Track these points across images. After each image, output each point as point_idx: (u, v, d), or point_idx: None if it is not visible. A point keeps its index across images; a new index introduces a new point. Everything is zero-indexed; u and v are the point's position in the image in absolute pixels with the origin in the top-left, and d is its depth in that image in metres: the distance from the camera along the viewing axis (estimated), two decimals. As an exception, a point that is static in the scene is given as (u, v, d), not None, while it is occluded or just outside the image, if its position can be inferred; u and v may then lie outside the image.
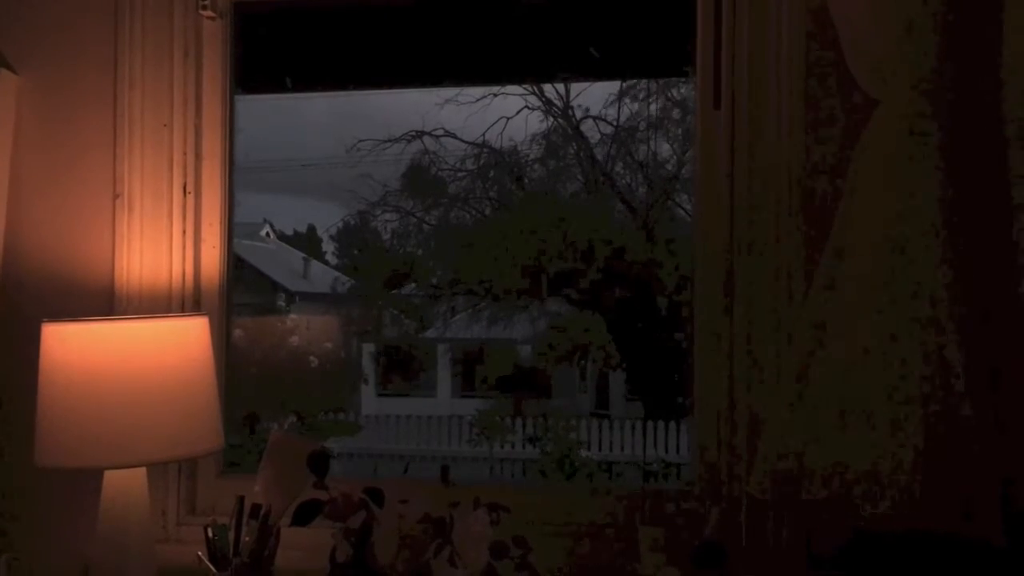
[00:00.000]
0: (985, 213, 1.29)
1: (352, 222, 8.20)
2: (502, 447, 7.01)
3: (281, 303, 7.80)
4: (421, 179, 7.49)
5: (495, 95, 6.91)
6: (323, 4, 1.80)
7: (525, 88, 6.86)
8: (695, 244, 1.61)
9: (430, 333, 8.36)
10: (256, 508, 1.40)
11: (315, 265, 8.86)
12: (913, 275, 1.27)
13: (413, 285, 8.00)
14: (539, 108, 7.10)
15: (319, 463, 1.38)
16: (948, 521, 1.26)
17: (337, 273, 8.53)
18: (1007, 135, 1.26)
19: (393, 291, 8.03)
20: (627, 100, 6.88)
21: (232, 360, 1.81)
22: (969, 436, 1.25)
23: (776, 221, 1.52)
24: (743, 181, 1.56)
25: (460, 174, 7.47)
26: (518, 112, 7.02)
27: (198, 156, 1.73)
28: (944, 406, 1.25)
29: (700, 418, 1.59)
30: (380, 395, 8.65)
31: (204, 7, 1.71)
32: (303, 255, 8.93)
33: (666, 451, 6.63)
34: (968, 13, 1.29)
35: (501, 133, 7.11)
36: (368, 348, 8.51)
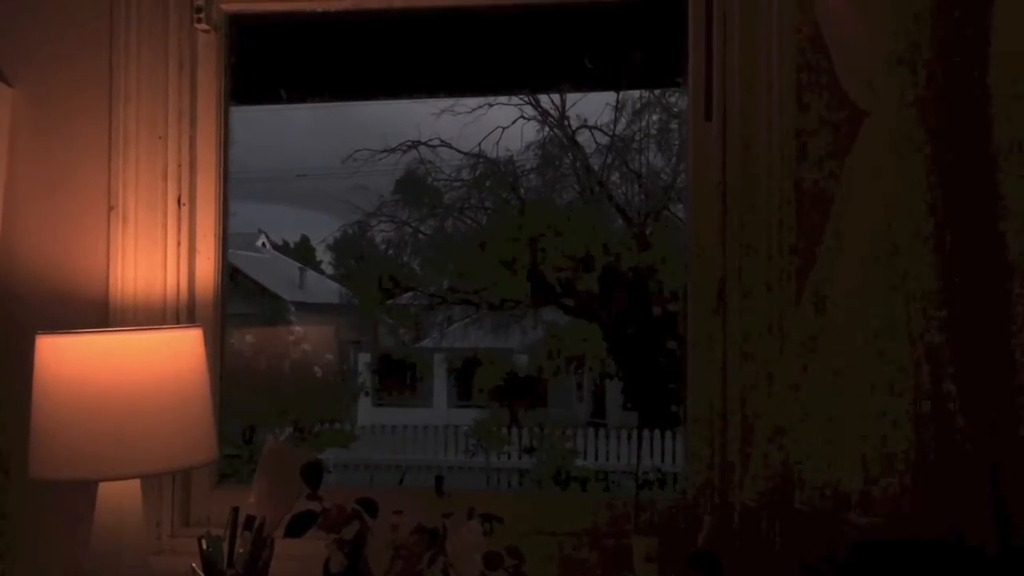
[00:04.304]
0: (975, 221, 1.30)
1: (350, 231, 8.20)
2: (498, 457, 7.00)
3: (291, 315, 7.79)
4: (417, 189, 7.50)
5: (491, 105, 6.92)
6: (318, 16, 1.81)
7: (521, 99, 6.88)
8: (688, 253, 1.63)
9: (426, 343, 8.36)
10: (250, 519, 1.41)
11: (310, 275, 8.85)
12: (904, 284, 1.28)
13: (410, 293, 8.00)
14: (535, 118, 7.12)
15: (313, 474, 1.38)
16: (940, 530, 1.26)
17: (334, 284, 8.52)
18: (996, 148, 1.27)
19: (390, 300, 8.03)
20: (624, 110, 6.90)
21: (227, 371, 1.81)
22: (962, 445, 1.25)
23: (768, 231, 1.53)
24: (735, 191, 1.57)
25: (456, 184, 7.48)
26: (513, 122, 7.04)
27: (192, 168, 1.74)
28: (937, 416, 1.26)
29: (693, 427, 1.60)
30: (376, 405, 8.63)
31: (199, 20, 1.72)
32: (299, 265, 8.93)
33: (662, 460, 6.62)
34: (958, 26, 1.30)
35: (497, 143, 7.12)
36: (364, 359, 8.50)
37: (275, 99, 2.22)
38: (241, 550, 1.40)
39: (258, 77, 2.02)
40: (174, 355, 1.44)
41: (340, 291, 8.38)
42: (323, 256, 8.91)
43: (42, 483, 1.40)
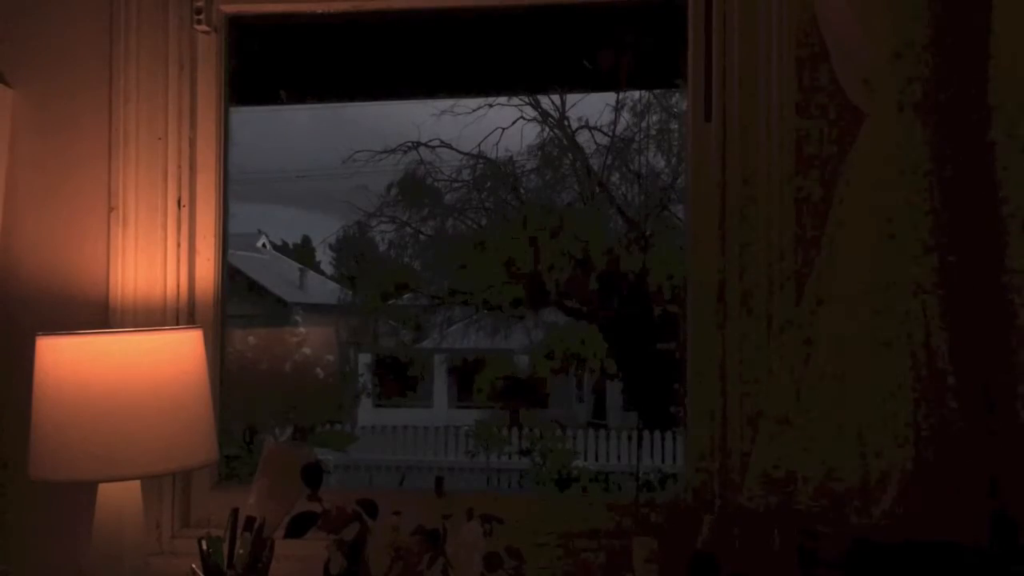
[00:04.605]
0: (975, 220, 1.30)
1: (352, 231, 8.20)
2: (499, 458, 7.00)
3: (296, 316, 7.79)
4: (417, 190, 7.50)
5: (491, 106, 6.93)
6: (317, 17, 1.81)
7: (521, 99, 6.88)
8: (688, 254, 1.63)
9: (426, 343, 8.36)
10: (250, 520, 1.41)
11: (311, 276, 8.86)
12: (904, 286, 1.28)
13: (408, 296, 8.00)
14: (535, 119, 7.12)
15: (312, 475, 1.38)
16: (939, 531, 1.26)
17: (334, 284, 8.52)
18: (995, 151, 1.27)
19: (389, 301, 8.03)
20: (623, 111, 6.90)
21: (227, 372, 1.81)
22: (961, 448, 1.25)
23: (767, 232, 1.54)
24: (735, 191, 1.57)
25: (456, 184, 7.48)
26: (513, 123, 7.05)
27: (192, 169, 1.74)
28: (936, 418, 1.26)
29: (693, 428, 1.60)
30: (377, 406, 8.63)
31: (199, 21, 1.72)
32: (300, 266, 8.93)
33: (662, 460, 6.62)
34: (957, 27, 1.30)
35: (497, 144, 7.12)
36: (364, 359, 8.50)
37: (275, 100, 2.23)
38: (241, 551, 1.40)
39: (258, 78, 2.02)
40: (174, 356, 1.44)
41: (340, 292, 8.39)
42: (323, 256, 8.91)
43: (42, 484, 1.40)
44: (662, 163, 6.96)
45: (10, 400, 1.63)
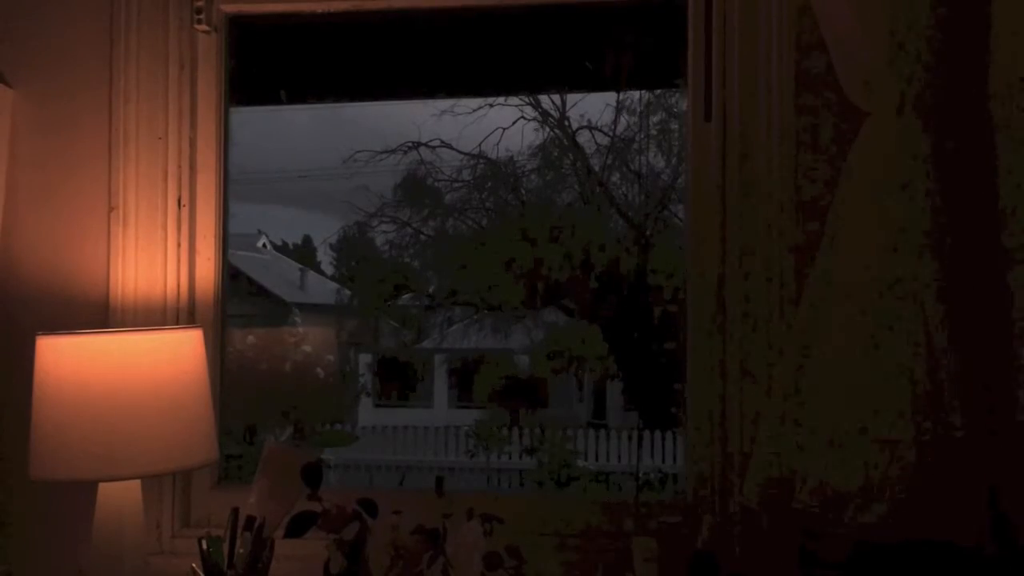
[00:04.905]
0: (975, 221, 1.30)
1: (351, 232, 8.21)
2: (499, 458, 7.00)
3: (296, 317, 7.80)
4: (417, 190, 7.51)
5: (491, 106, 6.94)
6: (318, 17, 1.82)
7: (521, 99, 6.89)
8: (687, 255, 1.63)
9: (427, 344, 8.36)
10: (250, 520, 1.41)
11: (311, 276, 8.86)
12: (904, 287, 1.28)
13: (409, 296, 8.01)
14: (535, 119, 7.13)
15: (313, 475, 1.38)
16: (939, 531, 1.26)
17: (335, 285, 8.53)
18: (995, 150, 1.27)
19: (389, 302, 8.03)
20: (624, 111, 6.91)
21: (227, 372, 1.81)
22: (961, 449, 1.25)
23: (767, 232, 1.54)
24: (734, 192, 1.57)
25: (456, 184, 7.49)
26: (514, 123, 7.05)
27: (193, 169, 1.74)
28: (936, 419, 1.26)
29: (693, 428, 1.59)
30: (377, 406, 8.64)
31: (199, 21, 1.72)
32: (300, 266, 8.94)
33: (663, 460, 6.62)
34: (957, 27, 1.30)
35: (497, 144, 7.13)
36: (365, 359, 8.51)
37: (275, 100, 2.23)
38: (241, 551, 1.40)
39: (258, 78, 2.02)
40: (174, 356, 1.44)
41: (340, 292, 8.39)
42: (324, 257, 8.92)
43: (42, 484, 1.40)
44: (662, 163, 6.96)
45: (10, 400, 1.63)
